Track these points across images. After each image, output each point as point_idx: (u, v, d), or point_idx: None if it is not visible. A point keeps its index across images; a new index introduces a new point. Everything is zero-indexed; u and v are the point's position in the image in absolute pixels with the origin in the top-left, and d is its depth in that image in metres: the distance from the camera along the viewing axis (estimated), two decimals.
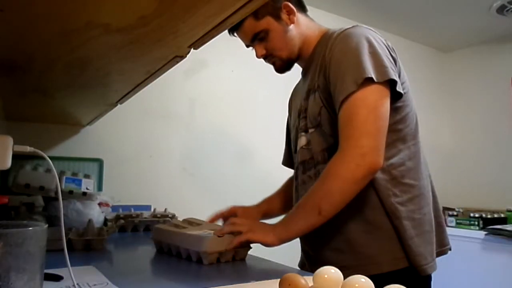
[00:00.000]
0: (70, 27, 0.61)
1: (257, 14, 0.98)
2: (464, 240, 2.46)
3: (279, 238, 0.89)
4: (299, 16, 1.04)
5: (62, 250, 0.57)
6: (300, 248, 1.14)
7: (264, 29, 1.00)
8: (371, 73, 0.85)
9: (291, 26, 1.03)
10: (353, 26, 0.97)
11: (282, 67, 1.08)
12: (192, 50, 0.71)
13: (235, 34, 1.07)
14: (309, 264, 1.08)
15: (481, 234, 2.38)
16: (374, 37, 0.94)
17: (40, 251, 0.49)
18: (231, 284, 0.69)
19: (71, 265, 0.58)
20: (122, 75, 0.92)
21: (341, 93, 0.86)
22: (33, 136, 1.58)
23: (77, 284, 0.67)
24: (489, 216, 2.54)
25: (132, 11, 0.55)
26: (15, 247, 0.46)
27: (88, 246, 1.08)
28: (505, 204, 2.64)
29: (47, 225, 0.50)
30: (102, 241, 1.10)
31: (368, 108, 0.84)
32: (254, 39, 1.03)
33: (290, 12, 1.02)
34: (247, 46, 1.09)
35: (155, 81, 0.95)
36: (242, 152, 2.16)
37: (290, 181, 1.27)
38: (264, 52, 1.04)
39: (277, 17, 1.01)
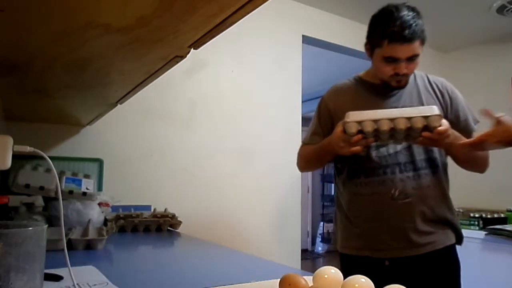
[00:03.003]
0: (70, 27, 0.61)
1: (423, 41, 1.18)
2: (464, 240, 2.44)
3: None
4: None
5: (62, 250, 0.57)
6: (362, 230, 1.22)
7: (418, 54, 1.19)
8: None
9: None
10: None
11: (404, 86, 1.28)
12: (192, 50, 0.71)
13: (394, 43, 1.16)
14: (384, 241, 1.18)
15: (481, 234, 2.38)
16: None
17: (40, 251, 0.49)
18: (231, 284, 0.69)
19: (71, 265, 0.58)
20: (122, 75, 0.92)
21: (471, 125, 1.24)
22: (33, 136, 1.58)
23: (77, 284, 0.67)
24: (489, 216, 2.53)
25: (132, 11, 0.55)
26: (15, 247, 0.46)
27: (88, 246, 1.08)
28: (505, 204, 2.64)
29: (47, 225, 0.50)
30: (102, 241, 1.10)
31: None
32: (409, 57, 1.17)
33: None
34: (391, 58, 1.18)
35: (155, 81, 0.95)
36: (242, 152, 2.16)
37: None
38: (406, 71, 1.20)
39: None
